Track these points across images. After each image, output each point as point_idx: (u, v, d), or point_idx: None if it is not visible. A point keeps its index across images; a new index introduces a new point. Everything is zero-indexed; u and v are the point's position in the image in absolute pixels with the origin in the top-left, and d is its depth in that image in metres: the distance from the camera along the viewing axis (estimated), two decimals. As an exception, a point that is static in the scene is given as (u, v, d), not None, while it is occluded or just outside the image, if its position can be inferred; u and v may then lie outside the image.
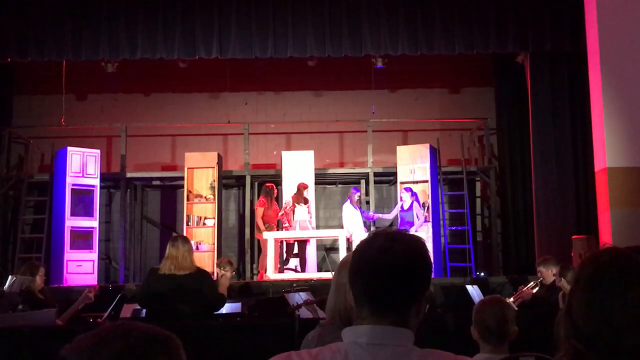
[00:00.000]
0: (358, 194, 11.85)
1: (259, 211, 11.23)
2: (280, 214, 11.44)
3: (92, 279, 11.16)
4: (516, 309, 6.78)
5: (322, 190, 13.69)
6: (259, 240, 11.67)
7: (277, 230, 11.31)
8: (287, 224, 11.36)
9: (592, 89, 9.83)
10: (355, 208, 11.57)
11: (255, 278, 11.69)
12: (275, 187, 11.52)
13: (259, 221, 11.19)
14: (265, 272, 10.83)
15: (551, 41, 11.01)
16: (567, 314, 1.58)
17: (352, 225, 11.37)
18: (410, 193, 11.34)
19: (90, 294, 6.82)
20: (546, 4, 11.03)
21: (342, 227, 11.66)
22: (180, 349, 1.30)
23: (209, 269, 7.35)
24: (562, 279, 6.79)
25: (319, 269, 12.13)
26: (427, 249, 1.71)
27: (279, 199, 12.37)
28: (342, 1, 11.08)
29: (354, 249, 1.80)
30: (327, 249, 13.30)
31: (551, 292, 7.28)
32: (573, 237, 10.10)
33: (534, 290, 7.83)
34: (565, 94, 11.38)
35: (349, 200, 11.67)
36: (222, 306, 6.31)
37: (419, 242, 1.70)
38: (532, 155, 11.37)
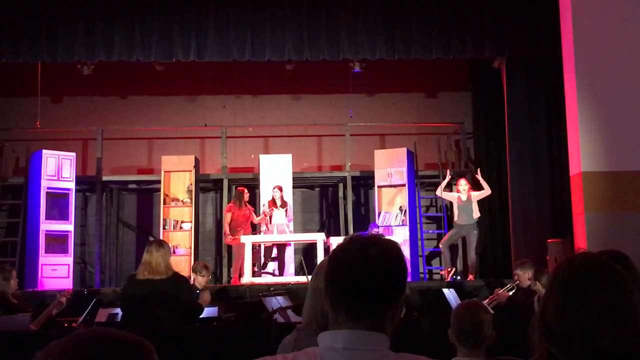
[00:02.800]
0: (376, 230, 11.55)
1: (227, 216, 11.18)
2: (258, 219, 11.40)
3: (67, 283, 11.05)
4: (492, 311, 6.83)
5: (300, 194, 13.67)
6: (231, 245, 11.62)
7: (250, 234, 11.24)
8: (265, 228, 11.33)
9: (567, 94, 9.93)
10: None
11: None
12: (246, 191, 11.44)
13: (225, 226, 11.15)
14: (239, 277, 10.81)
15: (527, 47, 11.11)
16: (541, 317, 1.60)
17: None
18: (467, 185, 11.04)
19: (62, 299, 6.74)
20: (522, 10, 11.12)
21: (320, 230, 11.60)
22: (152, 355, 1.29)
23: (185, 273, 7.30)
24: (537, 282, 6.84)
25: (297, 273, 12.11)
26: (402, 253, 1.72)
27: (256, 202, 12.35)
28: (320, 6, 11.09)
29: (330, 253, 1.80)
30: (305, 252, 13.28)
31: (527, 296, 7.33)
32: (549, 240, 10.19)
33: (510, 293, 7.89)
34: (541, 98, 11.48)
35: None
36: (199, 315, 6.29)
37: (394, 246, 1.70)
38: (508, 160, 11.45)
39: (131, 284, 5.85)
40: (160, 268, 5.71)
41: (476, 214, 10.81)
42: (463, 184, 10.99)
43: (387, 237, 1.77)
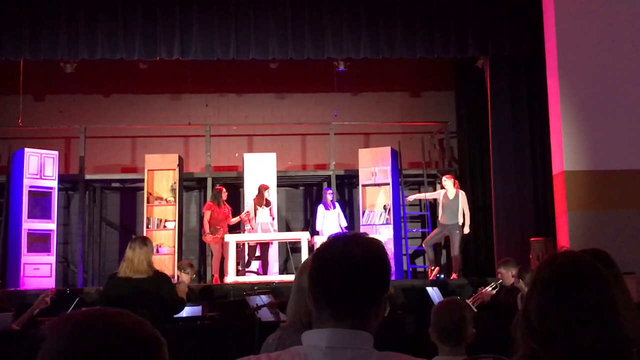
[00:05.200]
0: (330, 191, 11.76)
1: (206, 214, 11.11)
2: (234, 219, 11.34)
3: (49, 283, 10.97)
4: (475, 310, 6.86)
5: (284, 192, 13.67)
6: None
7: (229, 233, 11.17)
8: (249, 227, 11.30)
9: (550, 94, 10.00)
10: (328, 208, 11.52)
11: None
12: (224, 190, 11.38)
13: (205, 224, 11.09)
14: (219, 276, 10.79)
15: (510, 46, 11.16)
16: (524, 315, 1.61)
17: (325, 227, 11.32)
18: (452, 181, 10.90)
19: (46, 298, 6.71)
20: (505, 9, 11.17)
21: (305, 229, 11.60)
22: (161, 349, 1.27)
23: (169, 272, 7.28)
24: (521, 280, 6.88)
25: (281, 272, 12.11)
26: (385, 252, 1.72)
27: (240, 201, 12.32)
28: (305, 4, 11.08)
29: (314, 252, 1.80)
30: (290, 251, 13.28)
31: (511, 294, 7.36)
32: (531, 239, 10.24)
33: (494, 292, 7.93)
34: (524, 98, 11.53)
35: (322, 203, 11.67)
36: (182, 309, 6.27)
37: (378, 245, 1.71)
38: (492, 159, 11.49)
39: (112, 283, 5.83)
40: (142, 266, 5.69)
41: (461, 219, 10.78)
42: (448, 180, 10.92)
43: (371, 235, 1.78)
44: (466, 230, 10.78)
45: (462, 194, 10.86)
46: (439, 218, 10.94)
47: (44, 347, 1.21)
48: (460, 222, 10.74)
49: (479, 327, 3.35)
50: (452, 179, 10.97)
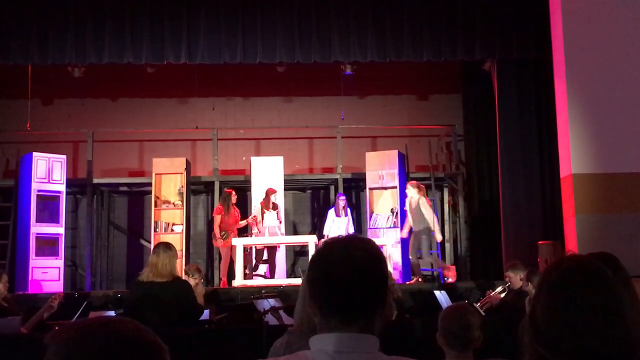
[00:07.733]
0: (342, 197, 11.72)
1: (217, 219, 11.11)
2: (242, 222, 11.33)
3: (57, 286, 11.00)
4: (483, 314, 6.85)
5: (291, 196, 13.67)
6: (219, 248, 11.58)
7: (238, 236, 11.17)
8: (256, 230, 11.30)
9: (557, 96, 9.97)
10: (339, 215, 11.47)
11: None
12: (233, 193, 11.38)
13: (216, 229, 11.09)
14: (227, 279, 10.80)
15: (517, 49, 11.14)
16: (530, 319, 1.61)
17: (332, 232, 11.27)
18: (416, 188, 10.83)
19: (53, 302, 6.73)
20: (513, 12, 11.16)
21: (312, 232, 11.59)
22: (162, 355, 1.28)
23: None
24: (529, 283, 6.86)
25: (289, 275, 12.10)
26: (379, 249, 1.73)
27: (247, 205, 12.32)
28: (312, 8, 11.09)
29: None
30: (297, 254, 13.28)
31: (519, 297, 7.34)
32: (539, 242, 10.21)
33: (502, 295, 7.90)
34: (531, 101, 11.51)
35: (334, 207, 11.64)
36: (200, 316, 6.28)
37: (374, 245, 1.71)
38: (499, 162, 11.48)
39: (134, 286, 5.91)
40: (165, 270, 5.73)
41: (431, 224, 10.72)
42: (410, 187, 10.87)
43: (379, 238, 1.78)
44: (438, 237, 10.80)
45: (422, 200, 10.76)
46: (412, 225, 10.88)
47: (46, 356, 1.23)
48: (429, 226, 10.71)
49: (486, 331, 3.34)
50: (416, 186, 10.90)
